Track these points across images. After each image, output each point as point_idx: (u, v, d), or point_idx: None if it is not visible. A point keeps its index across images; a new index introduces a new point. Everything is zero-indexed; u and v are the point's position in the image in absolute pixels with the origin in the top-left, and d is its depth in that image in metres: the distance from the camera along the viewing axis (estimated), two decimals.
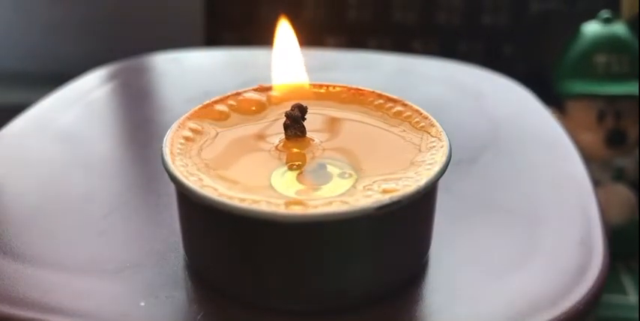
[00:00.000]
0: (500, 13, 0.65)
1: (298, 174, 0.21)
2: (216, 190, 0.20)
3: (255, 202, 0.19)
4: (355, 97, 0.25)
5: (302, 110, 0.23)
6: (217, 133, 0.23)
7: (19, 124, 0.31)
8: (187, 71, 0.38)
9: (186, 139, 0.22)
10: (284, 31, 0.25)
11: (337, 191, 0.20)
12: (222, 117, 0.24)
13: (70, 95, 0.34)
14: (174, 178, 0.20)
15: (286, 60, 0.25)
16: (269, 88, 0.25)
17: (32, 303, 0.21)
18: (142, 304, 0.21)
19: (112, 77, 0.37)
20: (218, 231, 0.20)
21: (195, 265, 0.22)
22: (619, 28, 0.56)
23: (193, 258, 0.22)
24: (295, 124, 0.22)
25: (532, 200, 0.26)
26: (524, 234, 0.24)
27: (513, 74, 0.39)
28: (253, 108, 0.24)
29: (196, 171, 0.21)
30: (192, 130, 0.23)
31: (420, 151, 0.22)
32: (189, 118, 0.23)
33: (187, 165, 0.21)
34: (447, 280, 0.22)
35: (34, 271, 0.22)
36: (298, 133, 0.22)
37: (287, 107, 0.23)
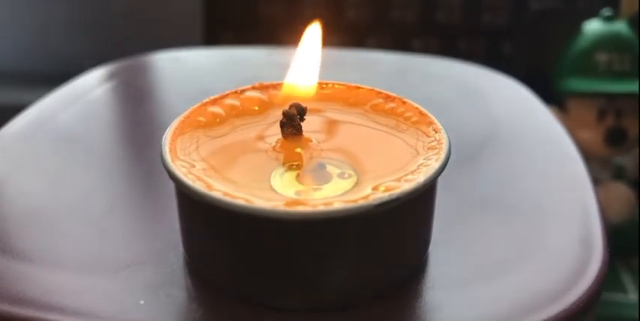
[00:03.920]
0: (500, 11, 0.65)
1: (297, 174, 0.21)
2: (215, 188, 0.20)
3: (254, 201, 0.19)
4: (354, 96, 0.25)
5: (300, 110, 0.23)
6: (217, 133, 0.23)
7: (18, 123, 0.31)
8: (187, 70, 0.38)
9: (186, 137, 0.22)
10: (314, 33, 0.25)
11: (337, 191, 0.20)
12: (221, 116, 0.24)
13: (69, 94, 0.34)
14: (173, 177, 0.20)
15: (305, 60, 0.25)
16: (268, 87, 0.25)
17: (32, 301, 0.21)
18: (142, 302, 0.21)
19: (111, 76, 0.37)
20: (217, 229, 0.20)
21: (195, 264, 0.22)
22: (620, 27, 0.56)
23: (193, 256, 0.22)
24: (291, 122, 0.22)
25: (531, 198, 0.26)
26: (524, 232, 0.24)
27: (513, 73, 0.39)
28: (256, 108, 0.24)
29: (195, 170, 0.21)
30: (192, 129, 0.23)
31: (419, 149, 0.22)
32: (188, 117, 0.23)
33: (186, 163, 0.21)
34: (446, 278, 0.22)
35: (34, 269, 0.22)
36: (294, 131, 0.22)
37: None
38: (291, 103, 0.23)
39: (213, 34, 0.66)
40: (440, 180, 0.21)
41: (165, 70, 0.38)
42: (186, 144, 0.22)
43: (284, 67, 0.25)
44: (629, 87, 0.53)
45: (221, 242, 0.21)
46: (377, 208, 0.19)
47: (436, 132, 0.22)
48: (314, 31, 0.25)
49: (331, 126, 0.24)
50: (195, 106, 0.24)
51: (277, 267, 0.20)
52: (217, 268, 0.21)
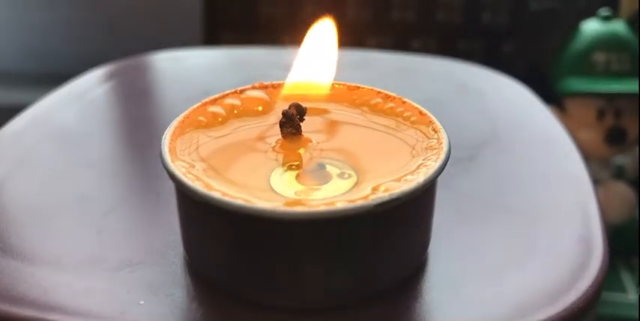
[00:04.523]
0: (500, 11, 0.65)
1: (297, 174, 0.21)
2: (215, 188, 0.20)
3: (254, 201, 0.19)
4: (354, 96, 0.25)
5: (299, 110, 0.23)
6: (217, 133, 0.23)
7: (18, 123, 0.31)
8: (187, 70, 0.38)
9: (186, 137, 0.22)
10: (323, 30, 0.25)
11: (337, 191, 0.20)
12: (222, 116, 0.24)
13: (69, 94, 0.34)
14: (173, 177, 0.20)
15: (315, 59, 0.25)
16: (268, 86, 0.25)
17: (31, 301, 0.21)
18: (142, 302, 0.21)
19: (111, 76, 0.37)
20: (217, 229, 0.20)
21: (195, 264, 0.22)
22: (618, 26, 0.56)
23: (193, 256, 0.22)
24: (290, 122, 0.22)
25: (531, 198, 0.26)
26: (524, 231, 0.24)
27: (513, 72, 0.39)
28: (257, 107, 0.24)
29: (195, 170, 0.21)
30: (192, 129, 0.23)
31: (419, 149, 0.22)
32: (188, 117, 0.23)
33: (186, 164, 0.21)
34: (446, 277, 0.22)
35: (34, 269, 0.22)
36: (294, 131, 0.22)
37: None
38: (291, 103, 0.23)
39: (213, 34, 0.66)
40: (439, 180, 0.21)
41: (165, 70, 0.38)
42: (186, 144, 0.22)
43: (284, 67, 0.25)
44: (628, 86, 0.53)
45: (221, 242, 0.21)
46: (377, 208, 0.19)
47: (436, 132, 0.22)
48: (325, 28, 0.25)
49: (331, 126, 0.24)
50: (195, 105, 0.24)
51: (277, 267, 0.20)
52: (217, 268, 0.21)
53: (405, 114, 0.24)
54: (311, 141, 0.23)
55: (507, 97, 0.35)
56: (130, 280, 0.21)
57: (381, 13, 0.66)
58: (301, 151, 0.22)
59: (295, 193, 0.20)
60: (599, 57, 0.54)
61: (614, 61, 0.54)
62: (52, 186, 0.27)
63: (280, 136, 0.23)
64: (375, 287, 0.21)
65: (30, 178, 0.27)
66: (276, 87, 0.25)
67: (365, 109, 0.24)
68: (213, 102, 0.24)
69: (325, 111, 0.24)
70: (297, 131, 0.23)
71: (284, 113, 0.22)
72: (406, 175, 0.20)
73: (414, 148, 0.22)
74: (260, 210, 0.19)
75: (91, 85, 0.35)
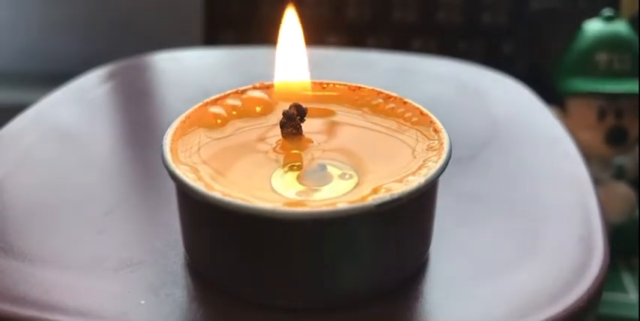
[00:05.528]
0: (500, 11, 0.65)
1: (298, 175, 0.21)
2: (216, 189, 0.20)
3: (254, 201, 0.19)
4: (355, 96, 0.25)
5: (300, 110, 0.23)
6: (218, 133, 0.23)
7: (18, 123, 0.31)
8: (187, 70, 0.38)
9: (187, 138, 0.22)
10: (290, 26, 0.25)
11: (338, 192, 0.20)
12: (223, 117, 0.24)
13: (69, 94, 0.34)
14: (174, 177, 0.20)
15: (290, 57, 0.25)
16: (269, 86, 0.25)
17: (32, 301, 0.21)
18: (142, 302, 0.21)
19: (111, 76, 0.37)
20: (218, 229, 0.20)
21: (196, 263, 0.22)
22: (621, 27, 0.56)
23: (193, 256, 0.22)
24: (291, 122, 0.22)
25: (532, 198, 0.26)
26: (525, 232, 0.24)
27: (513, 72, 0.39)
28: (257, 108, 0.24)
29: (196, 170, 0.21)
30: (193, 129, 0.23)
31: (420, 149, 0.22)
32: (189, 117, 0.23)
33: (187, 163, 0.21)
34: (446, 278, 0.22)
35: (35, 269, 0.22)
36: (294, 132, 0.22)
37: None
38: (291, 103, 0.23)
39: (213, 34, 0.66)
40: (440, 180, 0.21)
41: (165, 70, 0.38)
42: (188, 144, 0.22)
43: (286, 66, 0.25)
44: (630, 87, 0.53)
45: (221, 242, 0.21)
46: (378, 209, 0.19)
47: (437, 132, 0.22)
48: (291, 24, 0.25)
49: (332, 127, 0.24)
50: (197, 106, 0.24)
51: (277, 267, 0.20)
52: (218, 268, 0.21)
53: (406, 115, 0.24)
54: (312, 141, 0.23)
55: (507, 97, 0.35)
56: (131, 279, 0.21)
57: (381, 13, 0.66)
58: (302, 151, 0.22)
59: (296, 193, 0.20)
60: (602, 57, 0.54)
61: (616, 62, 0.54)
62: (53, 186, 0.27)
63: (281, 137, 0.23)
64: (376, 287, 0.21)
65: (30, 178, 0.27)
66: (277, 87, 0.25)
67: (366, 109, 0.24)
68: (214, 102, 0.24)
69: (326, 111, 0.24)
70: (298, 132, 0.23)
71: (284, 113, 0.22)
72: (407, 175, 0.20)
73: (415, 149, 0.22)
74: (261, 210, 0.19)
75: (91, 85, 0.35)
